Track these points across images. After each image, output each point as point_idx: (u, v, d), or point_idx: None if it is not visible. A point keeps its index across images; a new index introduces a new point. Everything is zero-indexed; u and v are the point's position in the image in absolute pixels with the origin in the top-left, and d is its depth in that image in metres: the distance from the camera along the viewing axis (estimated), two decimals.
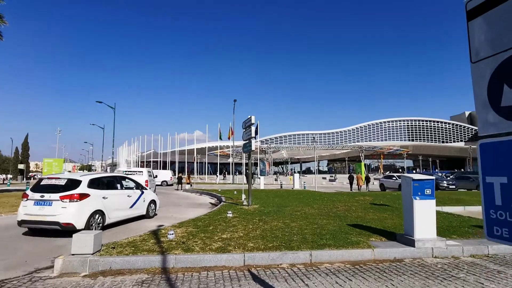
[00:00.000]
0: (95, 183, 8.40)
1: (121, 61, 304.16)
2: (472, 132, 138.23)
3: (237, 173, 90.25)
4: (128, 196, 9.74)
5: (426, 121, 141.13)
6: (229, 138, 48.27)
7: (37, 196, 7.67)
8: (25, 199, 7.76)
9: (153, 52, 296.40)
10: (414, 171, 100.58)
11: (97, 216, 8.11)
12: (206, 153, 66.54)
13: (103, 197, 8.45)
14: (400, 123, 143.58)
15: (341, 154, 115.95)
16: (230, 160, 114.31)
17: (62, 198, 7.51)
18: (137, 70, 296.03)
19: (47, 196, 7.60)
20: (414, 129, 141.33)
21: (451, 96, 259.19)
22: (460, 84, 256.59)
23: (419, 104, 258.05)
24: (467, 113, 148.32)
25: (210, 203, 16.81)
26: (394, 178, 26.49)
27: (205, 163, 74.17)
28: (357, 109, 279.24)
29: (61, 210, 7.42)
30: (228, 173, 75.71)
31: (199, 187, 28.14)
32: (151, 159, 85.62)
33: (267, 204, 13.07)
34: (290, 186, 30.88)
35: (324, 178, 64.98)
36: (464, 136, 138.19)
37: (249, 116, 12.33)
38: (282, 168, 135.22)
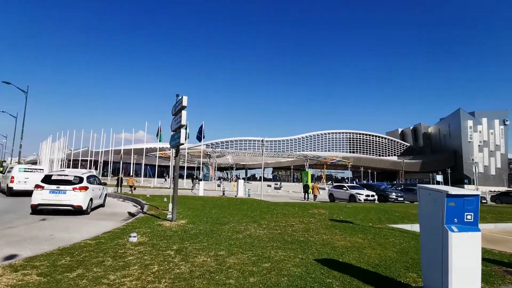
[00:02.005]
0: (88, 179, 11.67)
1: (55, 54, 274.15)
2: (404, 147, 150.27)
3: (185, 177, 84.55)
4: (99, 190, 12.99)
5: (365, 135, 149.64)
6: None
7: (53, 187, 10.58)
8: (41, 189, 10.52)
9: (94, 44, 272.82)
10: (353, 182, 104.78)
11: (90, 202, 11.38)
12: (144, 154, 60.29)
13: (92, 189, 11.70)
14: (342, 135, 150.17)
15: (286, 162, 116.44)
16: (171, 162, 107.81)
17: (74, 189, 10.64)
18: (77, 65, 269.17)
19: (62, 187, 10.59)
20: (354, 141, 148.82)
21: (387, 114, 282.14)
22: (395, 103, 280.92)
23: (359, 118, 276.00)
24: (400, 130, 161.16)
25: (129, 212, 12.80)
26: (345, 188, 24.87)
27: (142, 164, 67.57)
28: (303, 119, 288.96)
29: (74, 197, 10.55)
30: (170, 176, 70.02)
31: (128, 191, 23.50)
32: (79, 158, 76.00)
33: (200, 219, 9.64)
34: (234, 193, 27.69)
35: (269, 185, 63.10)
36: (397, 151, 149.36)
37: (180, 97, 8.87)
38: (227, 173, 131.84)
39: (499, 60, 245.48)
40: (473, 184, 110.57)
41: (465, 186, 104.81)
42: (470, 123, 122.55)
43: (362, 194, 23.08)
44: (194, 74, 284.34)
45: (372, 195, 23.29)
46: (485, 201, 28.40)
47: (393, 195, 24.52)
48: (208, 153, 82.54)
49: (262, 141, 23.09)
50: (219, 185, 46.83)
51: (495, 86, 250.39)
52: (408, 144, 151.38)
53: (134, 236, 6.23)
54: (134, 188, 25.78)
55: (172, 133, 9.54)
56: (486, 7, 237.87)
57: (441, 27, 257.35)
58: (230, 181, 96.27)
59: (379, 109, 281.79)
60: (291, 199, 26.36)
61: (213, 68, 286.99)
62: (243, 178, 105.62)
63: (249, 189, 27.93)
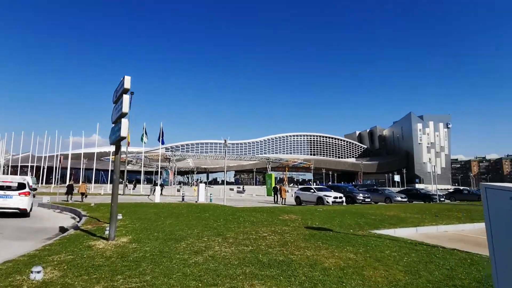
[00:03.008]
0: (28, 185, 13.09)
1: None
2: (361, 149, 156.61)
3: (146, 182, 78.95)
4: (32, 195, 14.46)
5: (325, 137, 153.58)
6: (128, 142, 39.89)
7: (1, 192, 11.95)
8: None
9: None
10: (314, 183, 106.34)
11: (31, 205, 13.61)
12: (95, 158, 55.18)
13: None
14: (303, 138, 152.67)
15: (249, 165, 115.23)
16: (129, 167, 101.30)
17: (20, 194, 12.20)
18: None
19: (8, 192, 12.02)
20: (314, 144, 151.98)
21: (346, 116, 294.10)
22: (353, 106, 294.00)
23: (319, 121, 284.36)
24: (357, 132, 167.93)
25: (61, 227, 10.30)
26: (312, 191, 23.85)
27: (94, 170, 62.05)
28: (265, 122, 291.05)
29: (20, 201, 12.08)
30: (130, 182, 64.93)
31: (74, 198, 20.32)
32: (18, 164, 68.33)
33: (149, 234, 7.62)
34: (195, 198, 25.49)
35: (232, 189, 61.19)
36: (355, 153, 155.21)
37: (122, 78, 6.85)
38: (188, 177, 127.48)
39: (447, 65, 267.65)
40: (423, 183, 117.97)
41: (416, 185, 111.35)
42: (419, 126, 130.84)
43: (330, 196, 22.18)
44: (151, 72, 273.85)
45: (340, 197, 22.49)
46: (443, 199, 29.14)
47: (360, 196, 23.96)
48: (168, 157, 78.57)
49: (225, 141, 21.28)
50: (178, 190, 44.01)
51: (441, 90, 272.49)
52: (365, 146, 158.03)
53: (39, 271, 4.15)
54: (86, 196, 22.64)
55: (112, 125, 7.43)
56: (444, 16, 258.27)
57: (396, 34, 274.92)
58: (191, 185, 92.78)
59: (338, 112, 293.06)
60: (256, 203, 24.80)
61: (172, 68, 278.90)
62: (205, 182, 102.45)
63: (210, 194, 25.88)
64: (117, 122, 6.72)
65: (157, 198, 21.61)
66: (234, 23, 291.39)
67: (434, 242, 8.02)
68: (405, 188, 35.67)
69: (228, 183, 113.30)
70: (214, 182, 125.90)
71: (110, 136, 7.33)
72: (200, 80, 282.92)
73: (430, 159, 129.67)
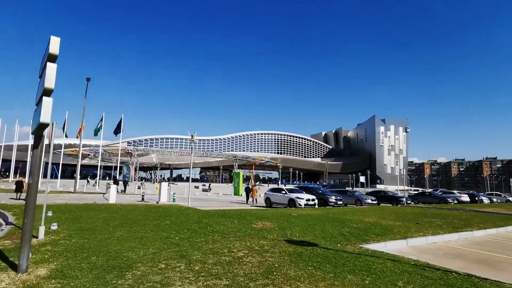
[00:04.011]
0: None
1: None
2: (327, 149, 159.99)
3: (108, 177, 73.31)
4: None
5: (292, 136, 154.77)
6: (77, 136, 36.06)
7: None
8: None
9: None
10: (278, 182, 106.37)
11: None
12: (43, 150, 49.97)
13: None
14: (270, 136, 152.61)
15: (215, 162, 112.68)
16: (85, 161, 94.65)
17: None
18: None
19: None
20: (281, 142, 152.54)
21: (312, 117, 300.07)
22: (319, 106, 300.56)
23: (286, 120, 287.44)
24: (323, 133, 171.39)
25: None
26: (283, 192, 22.59)
27: (43, 163, 56.44)
28: (232, 119, 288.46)
29: None
30: (92, 178, 59.68)
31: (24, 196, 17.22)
32: None
33: (84, 258, 5.69)
34: (156, 197, 23.21)
35: (197, 187, 58.64)
36: (320, 153, 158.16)
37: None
38: (151, 173, 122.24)
39: (408, 71, 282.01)
40: (383, 184, 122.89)
41: (377, 185, 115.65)
42: (382, 129, 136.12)
43: (303, 199, 21.07)
44: (114, 62, 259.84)
45: (313, 199, 21.47)
46: (409, 201, 29.34)
47: (333, 199, 23.13)
48: (129, 151, 73.95)
49: (192, 136, 19.31)
50: (139, 187, 40.92)
51: (402, 95, 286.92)
52: (331, 147, 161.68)
53: None
54: (21, 193, 19.67)
55: (35, 108, 5.37)
56: (413, 20, 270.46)
57: (365, 39, 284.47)
58: (154, 182, 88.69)
59: (305, 112, 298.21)
60: (223, 203, 23.06)
61: (137, 59, 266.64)
62: (168, 179, 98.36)
63: (174, 193, 23.73)
64: (39, 103, 4.73)
65: (112, 198, 19.11)
66: (197, 14, 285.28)
67: (432, 260, 6.92)
68: (374, 190, 35.76)
69: (194, 180, 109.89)
70: (179, 178, 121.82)
71: (32, 123, 5.29)
72: (167, 74, 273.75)
73: (397, 162, 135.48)
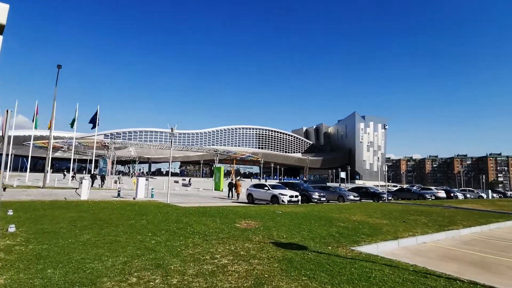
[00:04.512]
0: None
1: None
2: (307, 145, 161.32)
3: (84, 171, 70.16)
4: None
5: (273, 131, 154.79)
6: (49, 127, 33.88)
7: None
8: None
9: None
10: (259, 177, 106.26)
11: None
12: (11, 142, 47.02)
13: None
14: (252, 131, 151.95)
15: (195, 157, 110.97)
16: (58, 154, 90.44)
17: None
18: None
19: None
20: (262, 137, 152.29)
21: (293, 112, 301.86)
22: (301, 102, 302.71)
23: (267, 115, 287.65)
24: (304, 128, 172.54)
25: None
26: (266, 188, 22.01)
27: (4, 155, 53.35)
28: (213, 113, 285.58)
29: None
30: (68, 171, 56.43)
31: None
32: None
33: (40, 270, 4.80)
34: (133, 193, 22.10)
35: (177, 181, 57.28)
36: (301, 148, 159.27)
37: None
38: (129, 167, 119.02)
39: (388, 71, 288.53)
40: (362, 179, 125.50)
41: (356, 181, 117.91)
42: (362, 125, 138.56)
43: (286, 195, 20.59)
44: (92, 51, 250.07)
45: (296, 196, 21.04)
46: (390, 197, 29.62)
47: (316, 196, 22.80)
48: (106, 144, 71.24)
49: (172, 129, 18.33)
50: (116, 182, 39.28)
51: (381, 92, 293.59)
52: (311, 142, 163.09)
53: None
54: None
55: None
56: (399, 21, 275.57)
57: (346, 37, 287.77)
58: (132, 176, 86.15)
59: (286, 107, 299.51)
60: (204, 199, 22.24)
61: (116, 50, 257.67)
62: (147, 173, 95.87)
63: (152, 189, 22.68)
64: None
65: (84, 194, 17.85)
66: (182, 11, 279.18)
67: (428, 263, 6.51)
68: (356, 186, 35.96)
69: (173, 175, 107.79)
70: (158, 172, 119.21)
71: None
72: (147, 65, 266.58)
73: (378, 158, 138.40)
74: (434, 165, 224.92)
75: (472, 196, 41.24)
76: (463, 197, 38.58)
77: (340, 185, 55.57)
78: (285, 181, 49.53)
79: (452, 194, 37.12)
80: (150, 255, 5.79)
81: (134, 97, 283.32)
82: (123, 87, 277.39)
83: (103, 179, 35.15)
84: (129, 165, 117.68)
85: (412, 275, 5.44)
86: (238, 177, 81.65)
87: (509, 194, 56.63)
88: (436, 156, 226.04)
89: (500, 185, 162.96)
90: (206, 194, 30.89)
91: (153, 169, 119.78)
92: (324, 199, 23.18)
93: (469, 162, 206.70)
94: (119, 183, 36.60)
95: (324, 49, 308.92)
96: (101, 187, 32.85)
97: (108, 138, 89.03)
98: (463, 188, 49.65)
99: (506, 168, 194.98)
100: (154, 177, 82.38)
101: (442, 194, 35.11)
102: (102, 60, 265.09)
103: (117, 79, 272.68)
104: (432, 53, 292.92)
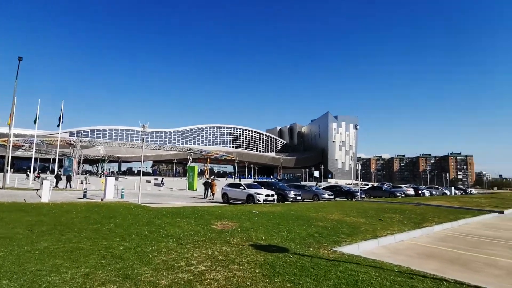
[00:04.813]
0: None
1: None
2: (281, 144, 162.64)
3: (48, 171, 65.90)
4: None
5: (247, 130, 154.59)
6: (9, 124, 31.32)
7: None
8: None
9: None
10: (233, 176, 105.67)
11: None
12: None
13: None
14: (226, 130, 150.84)
15: (168, 156, 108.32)
16: (19, 153, 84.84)
17: None
18: None
19: None
20: (237, 136, 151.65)
21: (267, 112, 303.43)
22: (275, 102, 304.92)
23: (241, 114, 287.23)
24: (278, 128, 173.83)
25: None
26: (242, 188, 21.62)
27: None
28: (186, 111, 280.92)
29: None
30: (33, 171, 52.07)
31: None
32: None
33: None
34: (101, 194, 20.84)
35: (149, 181, 55.40)
36: (275, 147, 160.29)
37: None
38: (97, 167, 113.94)
39: (361, 71, 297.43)
40: (334, 178, 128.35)
41: (329, 180, 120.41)
42: (334, 125, 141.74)
43: (262, 194, 20.33)
44: (55, 43, 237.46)
45: (272, 195, 20.84)
46: (363, 196, 30.24)
47: (292, 194, 22.72)
48: (72, 142, 67.57)
49: (144, 127, 17.43)
50: (82, 182, 37.19)
51: (353, 93, 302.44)
52: (285, 142, 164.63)
53: None
54: None
55: None
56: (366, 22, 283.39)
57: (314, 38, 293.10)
58: (101, 175, 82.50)
59: (261, 106, 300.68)
60: (177, 199, 21.43)
61: (82, 43, 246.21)
62: (117, 173, 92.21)
63: (122, 189, 21.54)
64: None
65: (45, 195, 16.52)
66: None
67: (410, 262, 6.41)
68: (330, 185, 36.41)
69: (145, 174, 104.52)
70: (129, 172, 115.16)
71: None
72: (117, 61, 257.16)
73: (351, 157, 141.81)
74: (402, 164, 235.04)
75: (437, 193, 43.24)
76: (429, 194, 40.33)
77: (317, 184, 56.08)
78: (260, 180, 49.31)
79: (420, 192, 38.67)
80: (117, 264, 5.18)
81: (103, 95, 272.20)
82: (92, 84, 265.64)
83: (69, 179, 33.12)
84: (97, 165, 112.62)
85: (398, 276, 5.26)
86: (213, 176, 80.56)
87: (469, 190, 60.06)
88: (404, 155, 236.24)
89: (459, 182, 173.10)
90: (179, 194, 29.95)
91: (123, 169, 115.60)
92: (300, 198, 23.15)
93: (433, 161, 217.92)
94: (86, 183, 34.64)
95: (298, 48, 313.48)
96: (67, 188, 30.94)
97: (74, 136, 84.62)
98: (429, 186, 51.97)
99: (465, 167, 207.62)
100: (125, 177, 79.40)
101: (411, 191, 36.45)
102: (69, 55, 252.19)
103: (85, 75, 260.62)
104: (403, 51, 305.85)
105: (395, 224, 11.70)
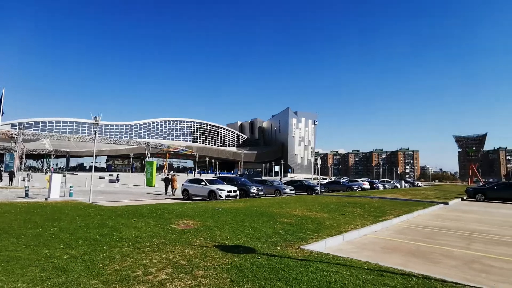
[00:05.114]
0: None
1: None
2: (242, 139, 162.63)
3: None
4: None
5: (208, 125, 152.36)
6: None
7: None
8: None
9: None
10: (193, 171, 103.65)
11: None
12: None
13: None
14: (186, 124, 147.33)
15: (124, 150, 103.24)
16: None
17: None
18: None
19: None
20: (197, 131, 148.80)
21: (228, 106, 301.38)
22: (236, 97, 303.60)
23: (202, 108, 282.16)
24: (239, 122, 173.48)
25: None
26: (203, 183, 20.94)
27: None
28: (144, 104, 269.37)
29: None
30: None
31: None
32: None
33: None
34: (46, 192, 18.91)
35: (102, 177, 52.07)
36: (236, 142, 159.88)
37: None
38: (43, 162, 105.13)
39: (323, 69, 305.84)
40: (293, 173, 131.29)
41: (288, 174, 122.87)
42: (294, 121, 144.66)
43: (224, 190, 19.85)
44: None
45: (234, 191, 20.46)
46: (323, 190, 31.02)
47: (254, 190, 22.50)
48: (13, 135, 61.29)
49: (96, 118, 16.02)
50: (24, 179, 33.74)
51: (313, 90, 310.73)
52: (246, 136, 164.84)
53: None
54: None
55: None
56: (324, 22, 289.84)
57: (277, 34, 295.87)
58: (47, 172, 76.21)
59: (222, 101, 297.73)
60: (135, 196, 20.18)
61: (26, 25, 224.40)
62: (65, 169, 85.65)
63: (71, 186, 19.74)
64: None
65: None
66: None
67: (377, 258, 6.42)
68: (291, 179, 36.86)
69: (99, 170, 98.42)
70: (80, 168, 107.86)
71: None
72: (67, 48, 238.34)
73: (311, 152, 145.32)
74: (357, 159, 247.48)
75: (389, 186, 45.91)
76: (383, 187, 42.66)
77: (281, 178, 56.53)
78: (222, 175, 48.63)
79: (374, 185, 40.74)
80: (59, 278, 4.43)
81: (50, 83, 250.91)
82: (39, 73, 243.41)
83: (11, 176, 29.89)
84: (42, 160, 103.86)
85: (369, 274, 5.14)
86: (172, 172, 78.00)
87: (416, 183, 64.71)
88: (358, 151, 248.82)
89: (407, 176, 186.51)
90: (136, 191, 28.39)
91: (74, 164, 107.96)
92: (262, 193, 23.06)
93: (384, 156, 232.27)
94: (28, 180, 31.47)
95: (260, 43, 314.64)
96: (10, 185, 27.88)
97: (15, 129, 76.88)
98: (382, 180, 55.07)
99: (412, 161, 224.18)
100: (75, 173, 74.10)
101: (366, 185, 38.22)
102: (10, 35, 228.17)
103: (31, 62, 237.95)
104: (365, 51, 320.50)
105: (357, 218, 11.92)
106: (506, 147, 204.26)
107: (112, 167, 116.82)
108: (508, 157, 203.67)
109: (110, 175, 58.21)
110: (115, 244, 6.56)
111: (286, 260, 5.82)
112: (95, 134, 17.00)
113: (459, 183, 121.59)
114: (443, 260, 7.03)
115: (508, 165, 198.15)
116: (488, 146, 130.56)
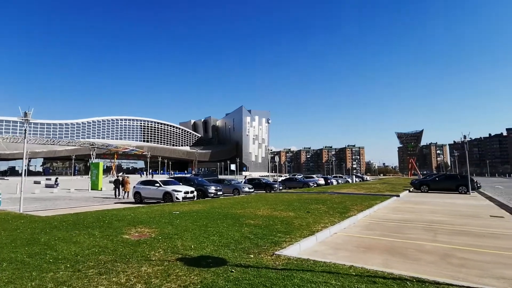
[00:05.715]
0: None
1: None
2: (196, 138, 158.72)
3: None
4: None
5: (159, 123, 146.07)
6: None
7: None
8: None
9: None
10: (144, 172, 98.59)
11: None
12: None
13: None
14: (135, 123, 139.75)
15: (65, 151, 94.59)
16: None
17: None
18: None
19: None
20: (148, 130, 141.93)
21: (181, 105, 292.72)
22: (189, 95, 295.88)
23: (152, 107, 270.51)
24: (192, 121, 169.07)
25: None
26: (157, 185, 19.33)
27: None
28: (89, 101, 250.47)
29: None
30: None
31: None
32: None
33: None
34: None
35: (38, 182, 46.66)
36: (189, 141, 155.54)
37: None
38: None
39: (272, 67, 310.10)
40: (248, 171, 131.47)
41: (243, 172, 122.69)
42: (248, 119, 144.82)
43: (180, 191, 18.52)
44: None
45: (192, 191, 19.21)
46: (281, 187, 30.93)
47: (212, 190, 21.41)
48: None
49: (26, 114, 13.75)
50: None
51: (267, 88, 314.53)
52: (199, 135, 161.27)
53: None
54: None
55: None
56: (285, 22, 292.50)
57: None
58: None
59: (173, 99, 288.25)
60: (78, 203, 17.86)
61: None
62: None
63: None
64: None
65: None
66: None
67: (354, 258, 6.01)
68: (249, 178, 36.28)
69: (34, 174, 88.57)
70: (12, 172, 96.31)
71: None
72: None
73: (267, 150, 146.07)
74: (308, 156, 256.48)
75: (342, 181, 47.71)
76: (336, 182, 44.10)
77: (244, 177, 55.79)
78: (177, 175, 46.41)
79: (328, 181, 41.90)
80: None
81: None
82: None
83: None
84: None
85: (361, 282, 4.56)
86: (122, 173, 72.91)
87: (365, 178, 68.41)
88: (309, 148, 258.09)
89: (354, 171, 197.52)
90: (80, 196, 25.54)
91: (4, 168, 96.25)
92: (221, 193, 22.08)
93: (334, 152, 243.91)
94: None
95: (214, 42, 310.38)
96: None
97: None
98: (335, 175, 57.21)
99: (358, 157, 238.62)
100: (5, 178, 65.91)
101: (321, 181, 39.12)
102: None
103: None
104: (315, 51, 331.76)
105: (323, 215, 11.57)
106: (437, 142, 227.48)
107: (50, 170, 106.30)
108: (438, 151, 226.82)
109: (47, 179, 52.48)
110: (48, 267, 5.20)
111: (265, 271, 5.03)
112: (25, 133, 14.61)
113: (400, 176, 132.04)
114: (420, 256, 6.79)
115: (438, 158, 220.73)
116: (422, 141, 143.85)
